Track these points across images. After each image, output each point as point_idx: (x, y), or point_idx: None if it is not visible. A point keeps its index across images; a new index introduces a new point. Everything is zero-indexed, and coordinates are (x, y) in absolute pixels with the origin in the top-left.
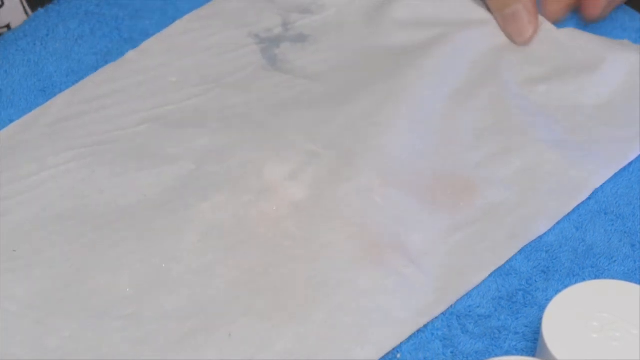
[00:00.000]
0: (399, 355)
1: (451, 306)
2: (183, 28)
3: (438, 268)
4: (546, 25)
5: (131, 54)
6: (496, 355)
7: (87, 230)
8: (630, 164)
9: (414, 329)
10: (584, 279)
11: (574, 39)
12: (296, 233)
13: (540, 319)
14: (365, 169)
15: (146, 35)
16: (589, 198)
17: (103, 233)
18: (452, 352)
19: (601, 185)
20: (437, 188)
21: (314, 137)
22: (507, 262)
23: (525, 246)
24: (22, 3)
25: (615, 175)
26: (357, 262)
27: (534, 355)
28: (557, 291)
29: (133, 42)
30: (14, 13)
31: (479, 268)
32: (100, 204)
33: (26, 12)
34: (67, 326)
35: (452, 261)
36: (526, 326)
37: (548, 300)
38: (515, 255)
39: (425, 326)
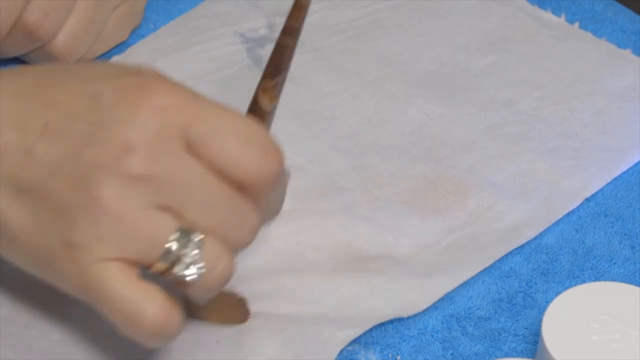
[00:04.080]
0: (398, 358)
1: (451, 308)
2: (167, 32)
3: (425, 267)
4: (547, 32)
5: (116, 59)
6: (496, 357)
7: None
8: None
9: (396, 316)
10: (584, 281)
11: (573, 46)
12: (279, 247)
13: (540, 321)
14: (351, 187)
15: None
16: (588, 200)
17: None
18: (452, 354)
19: (601, 188)
20: (429, 192)
21: (300, 151)
22: (507, 263)
23: (525, 248)
24: None
25: (615, 177)
26: (342, 273)
27: (533, 357)
28: (557, 293)
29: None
30: None
31: (467, 267)
32: None
33: None
34: (56, 330)
35: (440, 261)
36: (526, 328)
37: (548, 302)
38: (515, 257)
39: (425, 328)
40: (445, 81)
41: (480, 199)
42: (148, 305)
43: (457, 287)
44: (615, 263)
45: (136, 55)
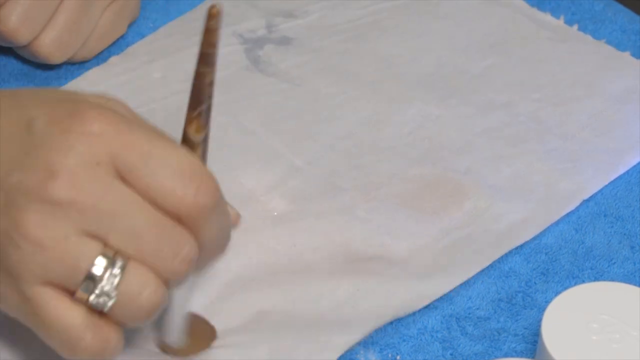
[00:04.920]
0: (398, 358)
1: (450, 308)
2: (167, 32)
3: (422, 268)
4: (546, 34)
5: (114, 59)
6: (495, 357)
7: None
8: None
9: (393, 318)
10: (583, 281)
11: (572, 49)
12: (278, 248)
13: (539, 321)
14: (348, 188)
15: None
16: (588, 200)
17: None
18: (451, 354)
19: (600, 188)
20: (426, 193)
21: (298, 151)
22: (507, 263)
23: (524, 248)
24: None
25: (615, 178)
26: (339, 274)
27: (533, 357)
28: (557, 293)
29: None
30: None
31: (464, 269)
32: None
33: None
34: None
35: (438, 262)
36: (525, 328)
37: (547, 302)
38: (515, 257)
39: (425, 328)
40: (444, 83)
41: (478, 200)
42: (84, 331)
43: (457, 287)
44: (614, 263)
45: (135, 55)
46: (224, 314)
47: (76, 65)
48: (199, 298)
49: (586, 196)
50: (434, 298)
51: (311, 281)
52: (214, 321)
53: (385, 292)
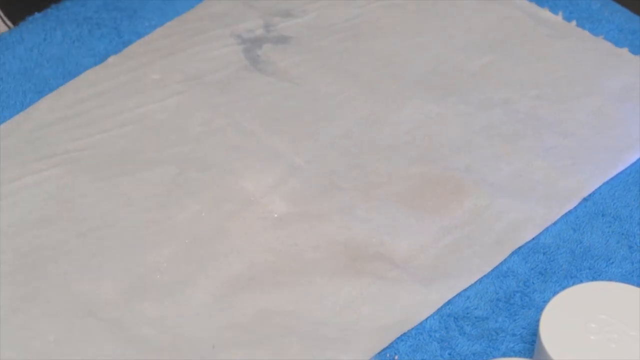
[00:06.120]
0: (396, 357)
1: (448, 308)
2: (165, 32)
3: (424, 270)
4: (544, 31)
5: (112, 59)
6: (494, 357)
7: (71, 237)
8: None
9: (399, 334)
10: (581, 281)
11: (570, 46)
12: (279, 248)
13: (537, 321)
14: (348, 187)
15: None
16: (586, 200)
17: (87, 240)
18: (449, 354)
19: (598, 187)
20: (426, 191)
21: (298, 150)
22: (505, 263)
23: (522, 248)
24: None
25: (613, 177)
26: (340, 275)
27: (531, 357)
28: (555, 293)
29: (131, 44)
30: None
31: (466, 273)
32: (83, 208)
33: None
34: (51, 330)
35: (439, 264)
36: (524, 328)
37: (545, 301)
38: (513, 256)
39: (423, 327)
40: (443, 81)
41: (478, 198)
42: None
43: None
44: (612, 263)
45: (134, 56)
46: (226, 313)
47: (75, 66)
48: (201, 294)
49: (586, 194)
50: (437, 306)
51: (313, 281)
52: (217, 320)
53: (388, 296)
